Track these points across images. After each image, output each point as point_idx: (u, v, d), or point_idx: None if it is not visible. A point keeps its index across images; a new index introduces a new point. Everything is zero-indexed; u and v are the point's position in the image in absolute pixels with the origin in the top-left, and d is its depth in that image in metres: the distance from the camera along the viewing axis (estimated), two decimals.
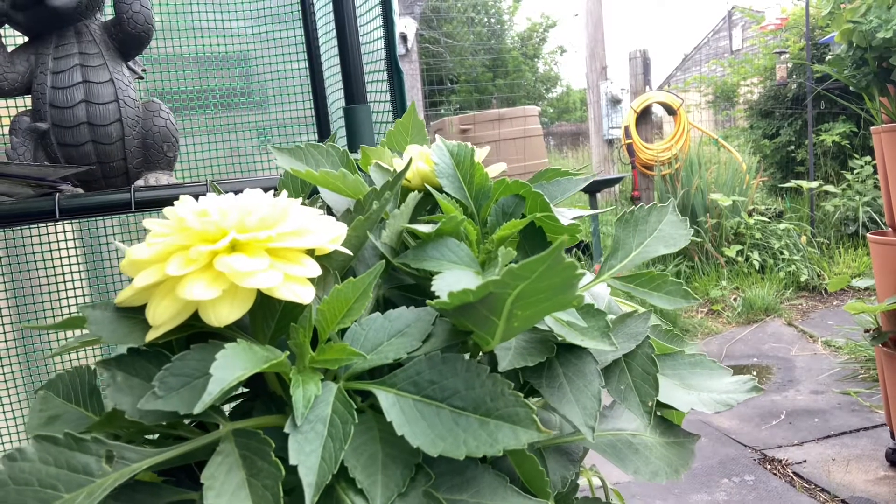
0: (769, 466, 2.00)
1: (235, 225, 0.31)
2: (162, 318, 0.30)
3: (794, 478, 1.92)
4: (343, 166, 0.44)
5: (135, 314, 0.33)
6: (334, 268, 0.36)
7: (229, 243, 0.30)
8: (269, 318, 0.33)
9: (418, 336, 0.32)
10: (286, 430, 0.28)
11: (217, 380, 0.27)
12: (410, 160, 0.40)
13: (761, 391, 0.39)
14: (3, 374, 1.20)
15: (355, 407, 0.29)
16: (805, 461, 2.00)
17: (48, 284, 1.23)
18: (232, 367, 0.27)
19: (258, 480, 0.27)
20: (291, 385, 0.29)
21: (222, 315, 0.29)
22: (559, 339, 0.36)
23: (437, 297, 0.30)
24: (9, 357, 1.21)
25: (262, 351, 0.29)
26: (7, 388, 1.21)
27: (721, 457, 2.08)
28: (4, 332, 1.20)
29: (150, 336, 0.31)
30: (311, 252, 0.34)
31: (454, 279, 0.31)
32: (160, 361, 0.31)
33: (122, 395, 0.31)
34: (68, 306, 1.24)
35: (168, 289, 0.30)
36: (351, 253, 0.35)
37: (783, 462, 2.01)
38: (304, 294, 0.30)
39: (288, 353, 0.30)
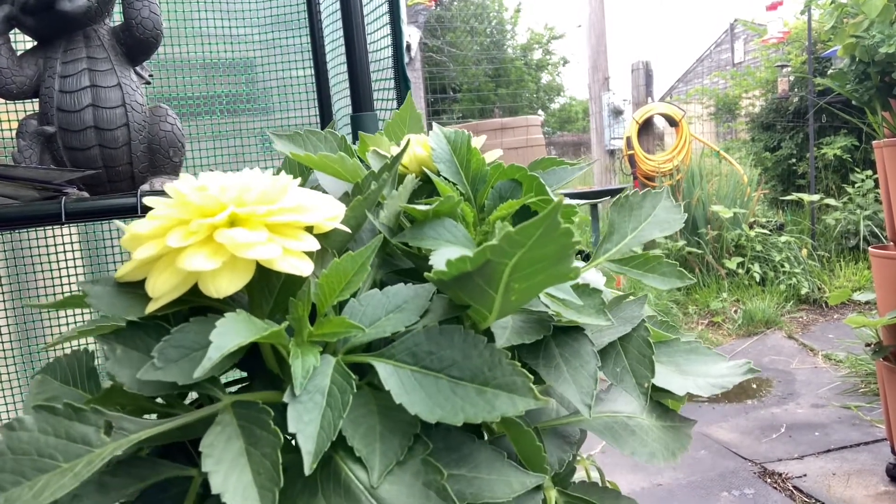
0: (769, 480, 1.99)
1: (234, 199, 0.31)
2: (162, 289, 0.30)
3: (795, 492, 1.91)
4: (341, 151, 0.44)
5: (134, 289, 0.33)
6: (332, 247, 0.36)
7: (228, 217, 0.31)
8: (267, 294, 0.33)
9: (416, 311, 0.33)
10: (285, 399, 0.29)
11: (217, 346, 0.27)
12: (408, 141, 0.40)
13: (757, 372, 0.40)
14: (1, 373, 1.20)
15: (354, 379, 0.30)
16: (805, 475, 1.99)
17: (52, 286, 1.24)
18: (232, 334, 0.28)
19: (257, 449, 0.28)
20: (290, 356, 0.29)
21: (222, 286, 0.30)
22: (555, 318, 0.36)
23: (434, 269, 0.30)
24: (13, 358, 1.21)
25: (262, 323, 0.30)
26: (4, 389, 1.21)
27: (721, 470, 2.07)
28: (9, 333, 1.20)
29: (151, 308, 0.31)
30: (309, 230, 0.34)
31: (452, 252, 0.32)
32: (159, 334, 0.31)
33: (121, 368, 0.31)
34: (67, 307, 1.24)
35: (168, 261, 0.31)
36: (349, 231, 0.36)
37: (783, 476, 2.00)
38: (302, 267, 0.31)
39: (286, 324, 0.31)
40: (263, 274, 0.32)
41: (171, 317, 0.34)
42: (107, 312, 0.32)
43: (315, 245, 0.32)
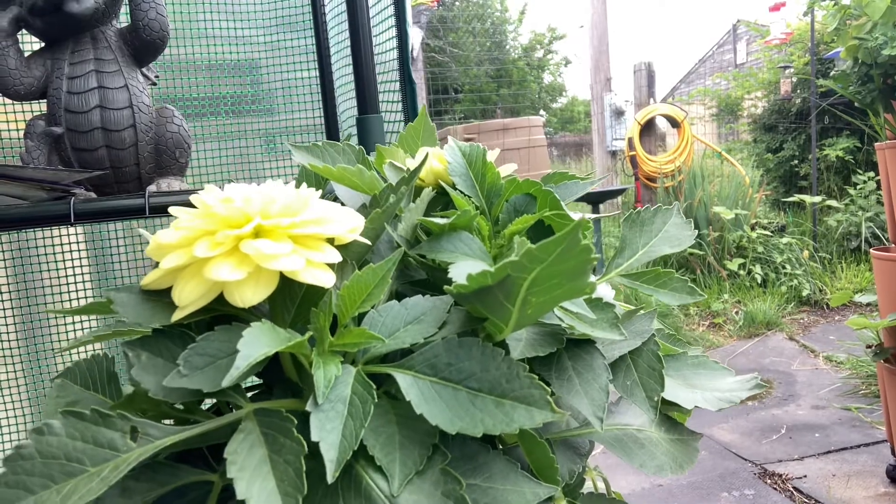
0: (769, 481, 2.00)
1: (259, 211, 0.32)
2: (189, 298, 0.31)
3: (795, 493, 1.91)
4: (359, 163, 0.45)
5: (159, 297, 0.34)
6: (352, 258, 0.37)
7: (254, 229, 0.32)
8: (289, 304, 0.34)
9: (434, 323, 0.33)
10: (308, 408, 0.29)
11: (244, 355, 0.28)
12: (427, 155, 0.41)
13: (765, 387, 0.40)
14: (7, 373, 1.21)
15: (375, 388, 0.30)
16: (805, 476, 1.99)
17: (58, 286, 1.24)
18: (258, 344, 0.28)
19: (280, 456, 0.28)
20: (313, 366, 0.30)
21: (247, 296, 0.31)
22: (568, 332, 0.37)
23: (455, 283, 0.31)
24: (19, 357, 1.22)
25: (285, 333, 0.31)
26: (10, 389, 1.22)
27: (721, 470, 2.08)
28: (16, 332, 1.21)
29: (177, 316, 0.32)
30: (330, 241, 0.35)
31: (470, 266, 0.32)
32: (184, 342, 0.32)
33: (146, 375, 0.32)
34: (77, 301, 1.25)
35: (195, 271, 0.32)
36: (369, 242, 0.36)
37: (783, 477, 2.01)
38: (325, 279, 0.31)
39: (310, 334, 0.32)
40: (286, 284, 0.33)
41: (194, 325, 0.34)
42: (132, 320, 0.33)
43: (337, 257, 0.33)
